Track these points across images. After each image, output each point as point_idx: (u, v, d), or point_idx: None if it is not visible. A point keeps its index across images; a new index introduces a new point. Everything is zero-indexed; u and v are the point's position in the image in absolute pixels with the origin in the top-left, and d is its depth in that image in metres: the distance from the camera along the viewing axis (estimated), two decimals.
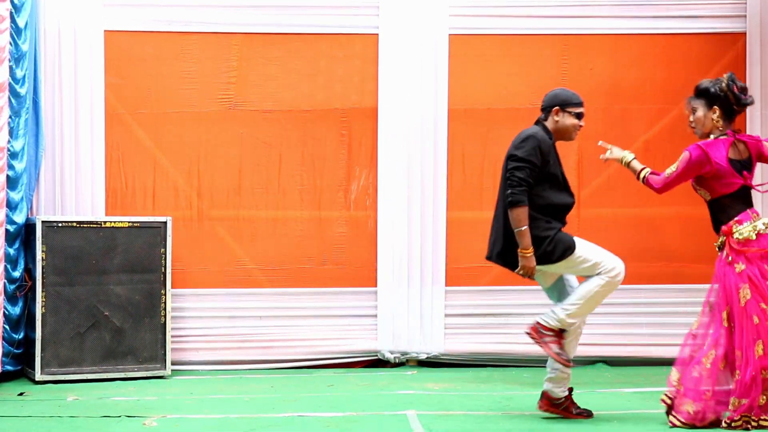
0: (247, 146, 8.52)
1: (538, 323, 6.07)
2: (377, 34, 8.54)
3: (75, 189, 8.25)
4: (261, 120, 8.55)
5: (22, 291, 7.83)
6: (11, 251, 7.73)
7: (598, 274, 6.00)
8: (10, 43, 7.72)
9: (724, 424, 5.79)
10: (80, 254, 7.75)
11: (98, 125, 8.31)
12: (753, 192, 6.21)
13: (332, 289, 8.53)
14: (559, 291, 6.23)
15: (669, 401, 5.98)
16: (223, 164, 8.52)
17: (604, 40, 8.70)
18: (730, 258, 5.96)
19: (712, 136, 6.02)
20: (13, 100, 7.78)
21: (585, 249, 6.02)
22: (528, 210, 5.92)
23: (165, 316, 7.94)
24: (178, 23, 8.47)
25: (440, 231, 8.47)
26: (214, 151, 8.49)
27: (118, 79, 8.39)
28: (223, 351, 8.38)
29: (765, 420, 5.77)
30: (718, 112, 6.01)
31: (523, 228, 5.89)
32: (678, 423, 5.86)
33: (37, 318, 7.63)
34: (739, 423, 5.76)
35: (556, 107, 6.12)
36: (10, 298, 7.72)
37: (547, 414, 6.14)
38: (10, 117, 7.76)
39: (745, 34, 8.66)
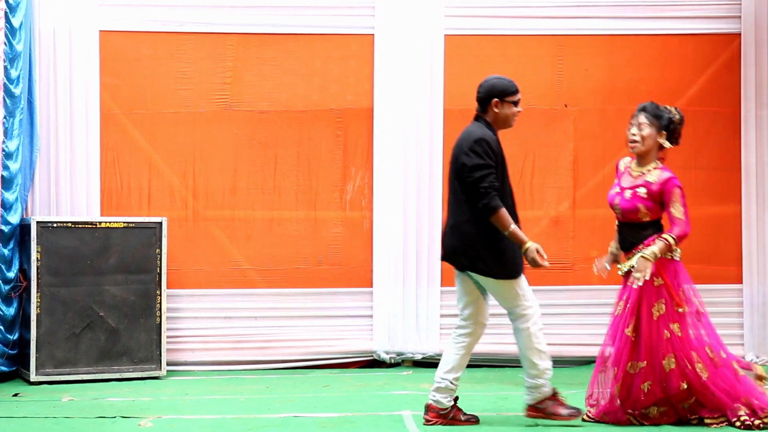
0: (242, 146, 8.52)
1: (529, 407, 6.02)
2: (373, 35, 8.56)
3: (70, 189, 8.25)
4: (256, 120, 8.55)
5: (17, 292, 7.82)
6: (6, 252, 7.74)
7: (520, 314, 5.91)
8: (5, 43, 7.73)
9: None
10: (75, 255, 7.74)
11: (93, 125, 8.32)
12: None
13: (328, 289, 8.53)
14: (476, 309, 6.05)
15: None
16: (219, 164, 8.52)
17: (599, 41, 8.74)
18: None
19: (653, 164, 6.18)
20: (7, 101, 7.79)
21: (524, 282, 5.96)
22: (501, 211, 5.81)
23: (160, 316, 7.94)
24: (173, 23, 8.48)
25: (435, 231, 8.47)
26: (209, 152, 8.49)
27: (113, 79, 8.40)
28: (218, 351, 8.38)
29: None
30: (664, 138, 6.17)
31: (512, 227, 5.83)
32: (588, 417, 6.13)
33: (32, 318, 7.62)
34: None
35: (495, 99, 5.98)
36: (5, 299, 7.73)
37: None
38: (5, 117, 7.77)
39: (740, 34, 8.70)
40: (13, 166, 7.84)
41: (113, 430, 6.01)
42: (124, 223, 7.91)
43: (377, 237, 8.54)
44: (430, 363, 8.43)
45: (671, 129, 6.18)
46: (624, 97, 8.70)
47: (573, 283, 8.66)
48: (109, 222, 7.89)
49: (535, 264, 5.85)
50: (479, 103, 6.05)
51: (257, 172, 8.54)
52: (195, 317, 8.42)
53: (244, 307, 8.46)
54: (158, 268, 7.94)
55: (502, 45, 8.67)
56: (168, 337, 8.05)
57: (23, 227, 7.87)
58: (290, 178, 8.58)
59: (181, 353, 8.32)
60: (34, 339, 7.62)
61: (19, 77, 7.92)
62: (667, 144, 6.20)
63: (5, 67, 7.72)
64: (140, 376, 7.85)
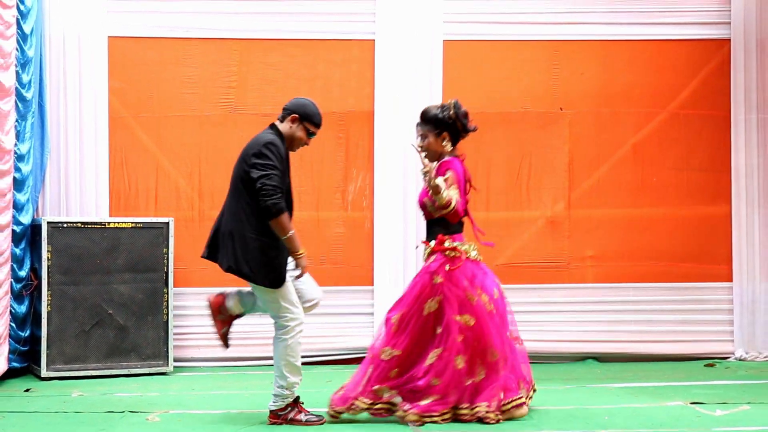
0: None
1: (272, 413, 6.00)
2: (374, 40, 8.64)
3: (79, 190, 8.33)
4: (260, 123, 8.39)
5: (28, 290, 7.89)
6: (17, 251, 7.79)
7: (282, 325, 5.92)
8: (17, 49, 7.78)
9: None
10: (85, 254, 7.82)
11: (102, 128, 8.40)
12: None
13: (330, 287, 8.49)
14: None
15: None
16: (224, 166, 8.42)
17: (594, 46, 8.81)
18: (447, 266, 6.07)
19: (435, 162, 6.10)
20: (19, 104, 7.85)
21: (287, 291, 5.94)
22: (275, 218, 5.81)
23: (167, 314, 8.02)
24: (179, 29, 8.56)
25: None
26: (214, 154, 8.54)
27: (121, 83, 8.49)
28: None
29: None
30: (447, 138, 6.17)
31: (291, 233, 5.80)
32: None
33: (42, 316, 7.69)
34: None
35: (296, 115, 6.00)
36: (17, 297, 7.78)
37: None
38: (17, 121, 7.82)
39: (729, 40, 8.78)
40: (25, 168, 7.91)
41: (122, 424, 6.06)
42: (132, 223, 7.96)
43: (378, 237, 8.62)
44: None
45: (451, 125, 6.15)
46: (618, 100, 8.80)
47: (568, 281, 8.73)
48: (118, 222, 7.95)
49: (303, 271, 5.89)
50: (283, 111, 6.10)
51: None
52: (201, 315, 8.31)
53: None
54: (165, 267, 8.01)
55: (500, 50, 8.75)
56: (175, 334, 8.12)
57: (34, 227, 7.92)
58: (293, 179, 8.52)
59: (188, 350, 8.39)
60: (45, 336, 7.68)
61: (30, 82, 7.98)
62: (449, 146, 6.16)
63: (17, 72, 7.77)
64: (148, 372, 7.90)
